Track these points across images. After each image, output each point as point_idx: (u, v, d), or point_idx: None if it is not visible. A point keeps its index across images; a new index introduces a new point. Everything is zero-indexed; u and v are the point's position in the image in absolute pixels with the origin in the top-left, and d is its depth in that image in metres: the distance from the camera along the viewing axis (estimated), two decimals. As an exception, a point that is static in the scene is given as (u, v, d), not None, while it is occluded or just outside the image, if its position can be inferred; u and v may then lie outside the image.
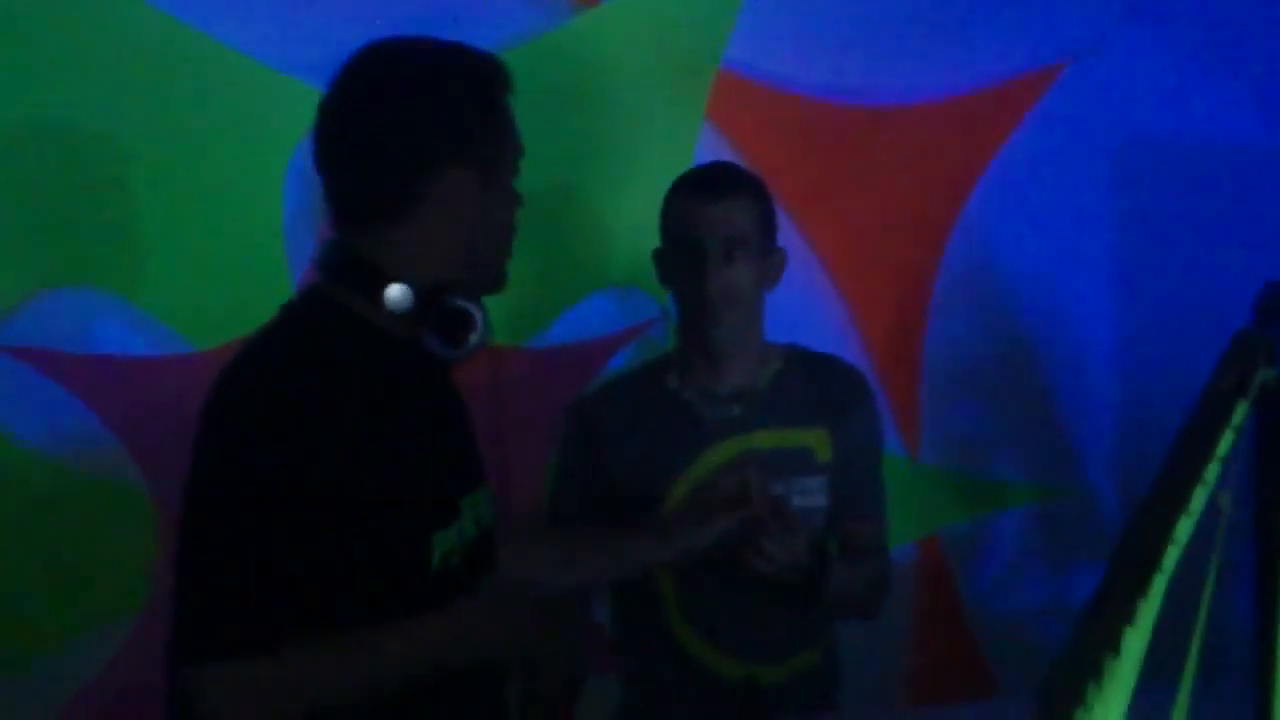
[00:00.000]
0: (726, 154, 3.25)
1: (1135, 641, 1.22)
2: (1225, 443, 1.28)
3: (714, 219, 2.65)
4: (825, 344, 3.17)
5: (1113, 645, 1.23)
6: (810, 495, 2.73)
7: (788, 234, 3.35)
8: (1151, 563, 1.27)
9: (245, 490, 1.87)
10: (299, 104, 2.93)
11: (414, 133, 2.01)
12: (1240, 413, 1.27)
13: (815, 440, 2.76)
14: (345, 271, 2.04)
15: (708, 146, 3.27)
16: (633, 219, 3.12)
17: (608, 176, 3.18)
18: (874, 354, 3.49)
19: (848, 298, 3.50)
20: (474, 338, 2.00)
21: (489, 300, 2.04)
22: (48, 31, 2.81)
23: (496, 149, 2.06)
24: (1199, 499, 1.27)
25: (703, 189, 2.69)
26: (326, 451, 1.88)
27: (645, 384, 2.81)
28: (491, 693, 2.15)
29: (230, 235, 2.96)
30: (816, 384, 2.81)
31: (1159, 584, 1.26)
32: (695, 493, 2.64)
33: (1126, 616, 1.25)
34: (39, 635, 2.89)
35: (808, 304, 3.43)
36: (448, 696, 2.03)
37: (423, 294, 1.98)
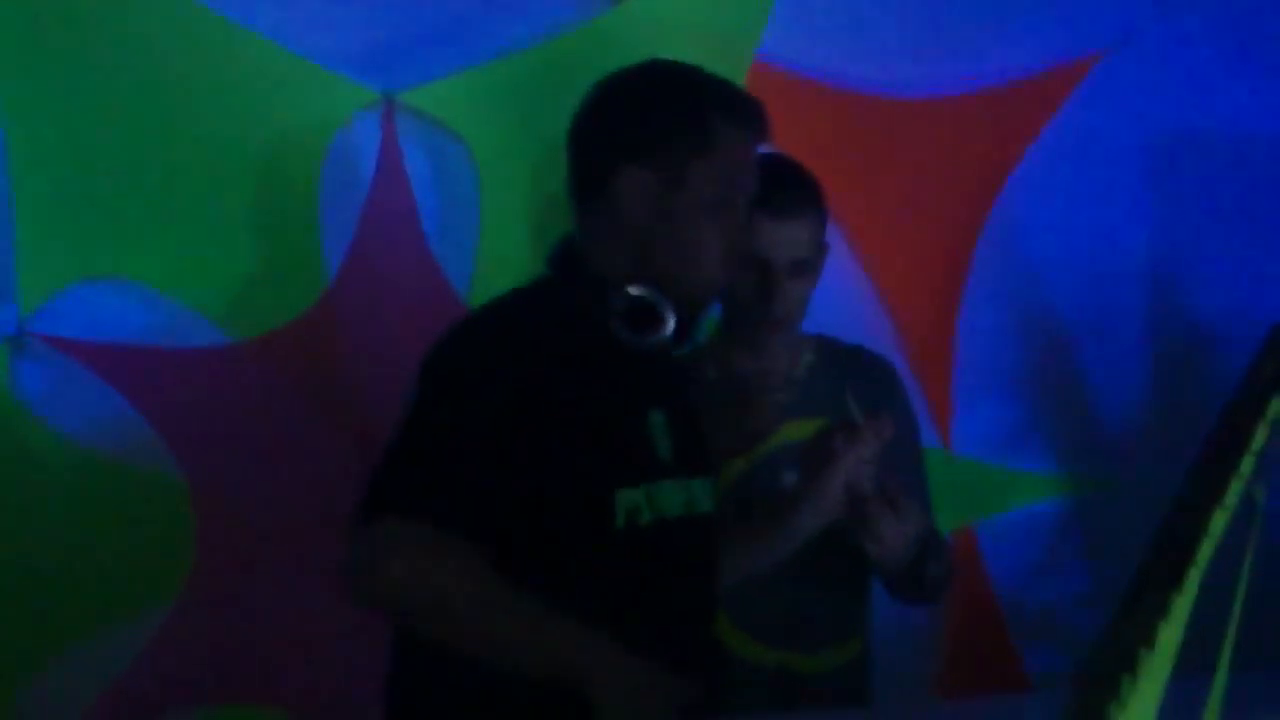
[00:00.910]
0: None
1: (1169, 634, 1.22)
2: (1260, 437, 1.28)
3: (783, 240, 2.64)
4: (859, 334, 3.16)
5: (1147, 638, 1.22)
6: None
7: (832, 235, 3.36)
8: (1186, 556, 1.26)
9: (448, 404, 2.07)
10: (336, 97, 2.97)
11: (602, 127, 2.20)
12: (1276, 407, 1.26)
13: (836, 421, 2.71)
14: (553, 255, 2.28)
15: None
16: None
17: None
18: (907, 344, 3.49)
19: (881, 288, 3.51)
20: (659, 331, 2.14)
21: None
22: (88, 28, 2.81)
23: (688, 161, 2.13)
24: (1234, 492, 1.26)
25: (772, 205, 2.62)
26: (515, 395, 2.05)
27: None
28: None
29: (266, 227, 2.98)
30: (850, 374, 2.78)
31: (1193, 577, 1.26)
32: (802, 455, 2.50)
33: (1160, 609, 1.25)
34: (73, 624, 2.90)
35: (842, 295, 3.43)
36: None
37: (599, 283, 2.16)
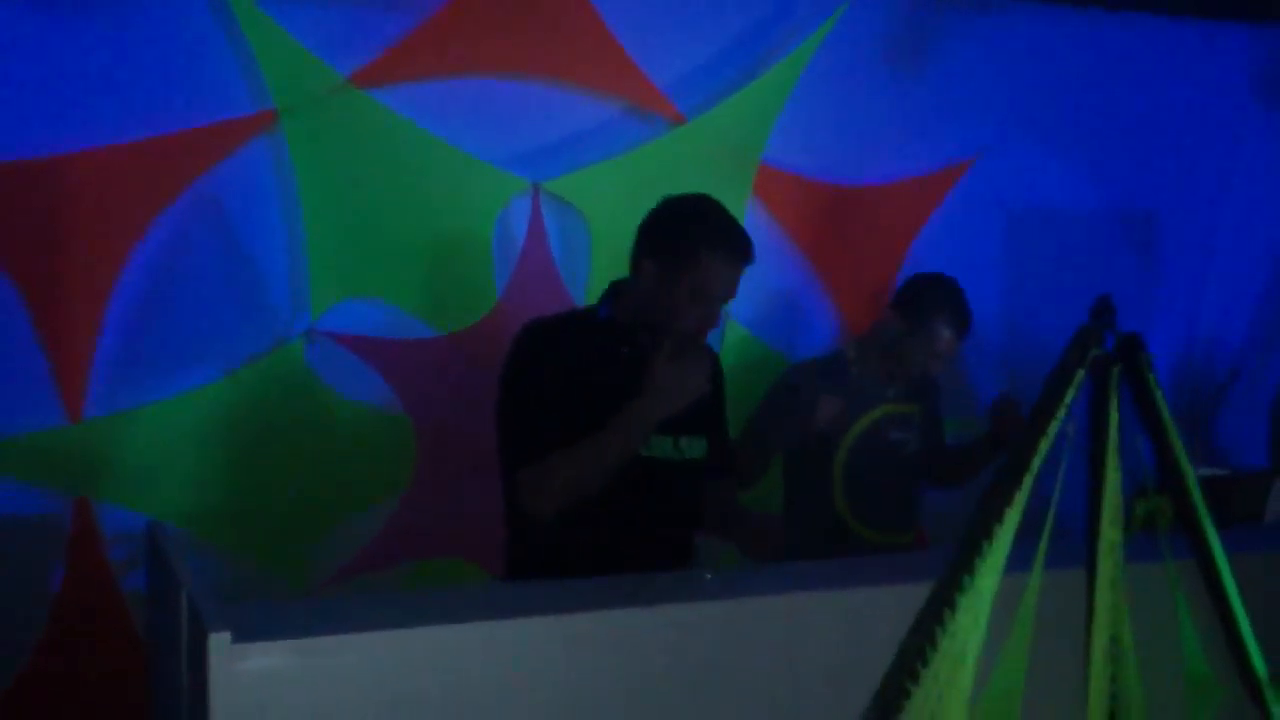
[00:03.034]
0: (766, 223, 3.25)
1: (1013, 516, 1.24)
2: (1070, 394, 1.29)
3: (956, 349, 2.86)
4: (829, 338, 3.19)
5: (998, 517, 1.25)
6: (915, 441, 2.94)
7: (808, 272, 3.37)
8: (1023, 467, 1.28)
9: (509, 388, 2.19)
10: (503, 185, 2.99)
11: (645, 234, 2.22)
12: (1080, 376, 1.29)
13: (916, 409, 2.95)
14: (606, 291, 2.30)
15: (754, 217, 3.25)
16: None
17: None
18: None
19: (841, 308, 3.50)
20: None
21: None
22: (353, 146, 2.83)
23: (681, 268, 2.16)
24: (1053, 429, 1.28)
25: (962, 329, 2.83)
26: (560, 380, 2.15)
27: (835, 367, 2.92)
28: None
29: (461, 266, 3.00)
30: (917, 381, 2.96)
31: (1028, 481, 1.27)
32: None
33: (1007, 499, 1.26)
34: (343, 506, 2.95)
35: (819, 315, 3.46)
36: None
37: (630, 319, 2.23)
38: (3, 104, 2.56)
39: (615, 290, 2.29)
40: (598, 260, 3.07)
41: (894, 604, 1.34)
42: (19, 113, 2.57)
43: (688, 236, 2.17)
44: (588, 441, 2.09)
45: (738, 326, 3.29)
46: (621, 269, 2.30)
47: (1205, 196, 3.95)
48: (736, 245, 2.19)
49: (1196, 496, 1.31)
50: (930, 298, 2.84)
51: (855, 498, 2.86)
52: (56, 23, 2.58)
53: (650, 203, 2.29)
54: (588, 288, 3.08)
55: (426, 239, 2.94)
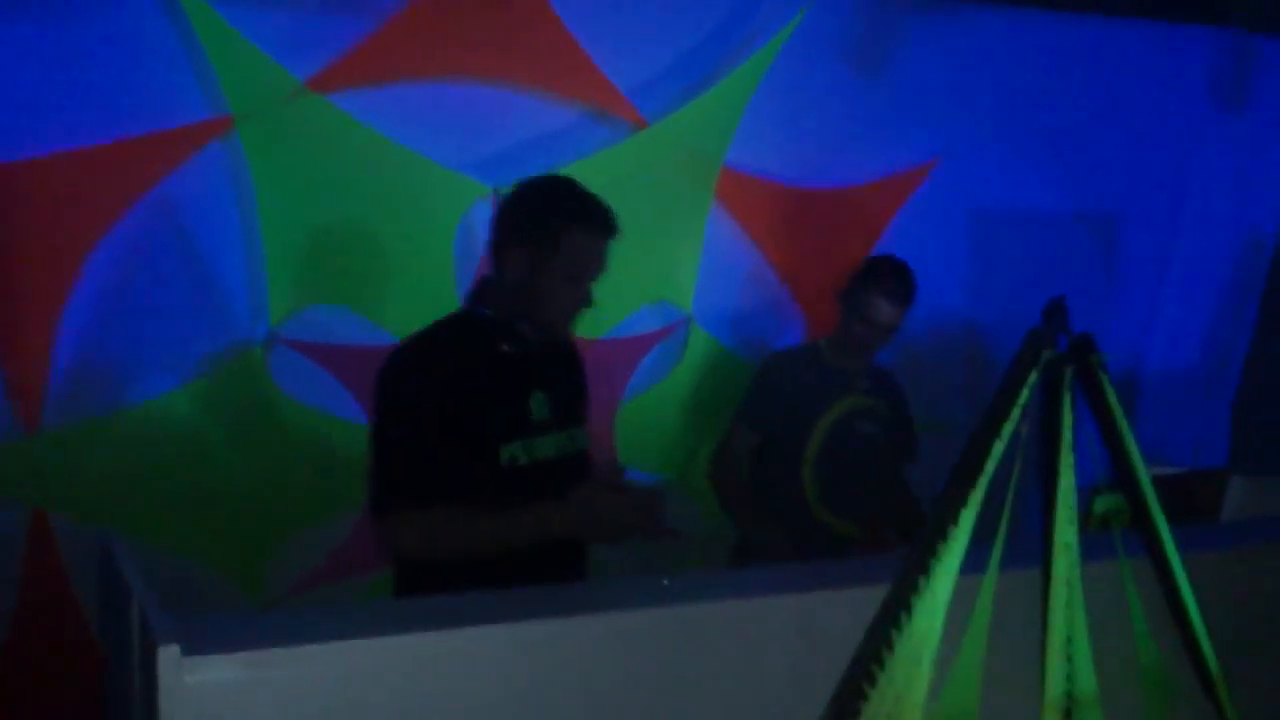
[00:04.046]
0: (730, 226, 3.26)
1: (968, 516, 1.24)
2: (1024, 395, 1.29)
3: (891, 320, 2.89)
4: (788, 332, 3.19)
5: (954, 518, 1.24)
6: (884, 437, 3.01)
7: (771, 276, 3.37)
8: (978, 469, 1.27)
9: (388, 416, 2.05)
10: (465, 191, 2.96)
11: (506, 222, 2.13)
12: (1033, 377, 1.28)
13: (882, 404, 3.01)
14: (472, 291, 2.21)
15: (717, 221, 3.25)
16: (665, 260, 3.16)
17: (651, 235, 3.17)
18: (817, 335, 3.48)
19: (801, 303, 3.51)
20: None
21: None
22: (318, 154, 2.80)
23: (549, 251, 2.08)
24: (1007, 430, 1.27)
25: (894, 296, 2.87)
26: (436, 398, 2.02)
27: (810, 356, 3.02)
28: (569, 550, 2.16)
29: (421, 271, 2.97)
30: (882, 378, 3.07)
31: (982, 483, 1.26)
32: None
33: (962, 501, 1.26)
34: (304, 516, 2.91)
35: (783, 319, 3.47)
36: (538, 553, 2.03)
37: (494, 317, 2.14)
38: (-47, 112, 2.52)
39: (483, 287, 2.21)
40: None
41: (850, 607, 1.33)
42: (-30, 121, 2.53)
43: (550, 219, 2.09)
44: (483, 518, 2.01)
45: (701, 331, 3.28)
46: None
47: (1163, 197, 3.99)
48: (599, 219, 2.11)
49: (1150, 496, 1.31)
50: (865, 270, 2.94)
51: (823, 485, 2.89)
52: (6, 29, 2.53)
53: (613, 207, 2.26)
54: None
55: (387, 246, 2.91)
